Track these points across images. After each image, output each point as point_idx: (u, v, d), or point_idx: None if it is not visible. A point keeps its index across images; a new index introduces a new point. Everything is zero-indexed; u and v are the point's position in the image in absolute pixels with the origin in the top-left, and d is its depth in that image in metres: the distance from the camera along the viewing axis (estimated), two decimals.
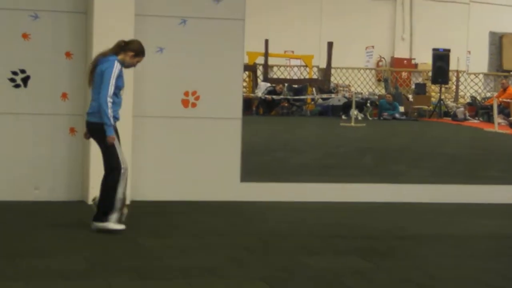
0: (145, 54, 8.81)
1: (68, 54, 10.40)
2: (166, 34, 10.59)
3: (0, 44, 10.18)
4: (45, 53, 10.34)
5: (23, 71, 10.28)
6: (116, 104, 8.52)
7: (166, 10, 10.57)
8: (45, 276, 6.72)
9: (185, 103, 10.73)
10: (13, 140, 10.25)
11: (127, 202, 9.00)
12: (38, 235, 8.23)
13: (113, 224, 8.40)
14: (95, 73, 8.52)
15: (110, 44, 9.86)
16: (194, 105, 10.74)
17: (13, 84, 10.25)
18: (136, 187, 10.37)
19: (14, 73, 10.25)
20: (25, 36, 10.26)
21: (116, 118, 8.53)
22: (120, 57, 8.57)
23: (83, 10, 10.34)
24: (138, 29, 10.25)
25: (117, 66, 8.46)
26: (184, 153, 10.70)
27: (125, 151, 10.09)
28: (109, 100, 8.36)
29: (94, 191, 10.08)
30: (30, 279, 6.62)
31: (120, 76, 8.51)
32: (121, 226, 8.45)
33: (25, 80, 10.30)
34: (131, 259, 7.40)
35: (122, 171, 8.46)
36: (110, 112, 8.34)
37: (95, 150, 10.08)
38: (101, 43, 10.03)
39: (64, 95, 10.40)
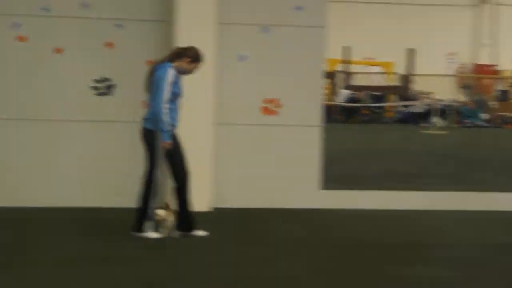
0: (202, 60, 8.80)
1: (151, 63, 10.51)
2: (247, 42, 10.65)
3: (85, 53, 10.36)
4: (128, 61, 10.49)
5: (107, 79, 10.46)
6: (173, 111, 8.57)
7: (247, 18, 10.63)
8: (134, 285, 6.75)
9: (265, 110, 10.76)
10: (96, 147, 10.42)
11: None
12: (125, 242, 8.31)
13: (149, 233, 8.46)
14: (152, 80, 8.60)
15: None
16: (274, 112, 10.77)
17: (96, 92, 10.43)
18: (217, 194, 10.45)
19: (98, 81, 10.43)
20: (109, 44, 10.44)
21: (173, 125, 8.60)
22: (176, 63, 8.62)
23: (166, 19, 10.46)
24: (221, 37, 10.34)
25: (171, 73, 8.50)
26: (264, 161, 10.73)
27: (205, 158, 10.24)
28: (166, 106, 8.41)
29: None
30: (119, 286, 6.69)
31: (176, 83, 8.55)
32: (157, 235, 8.48)
33: (109, 88, 10.47)
34: (214, 268, 7.42)
35: (156, 181, 8.54)
36: (166, 118, 8.39)
37: None
38: None
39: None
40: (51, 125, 10.31)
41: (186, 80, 10.11)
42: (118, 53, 10.45)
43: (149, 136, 8.51)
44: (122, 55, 10.47)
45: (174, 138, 8.58)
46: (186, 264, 7.46)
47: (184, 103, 10.16)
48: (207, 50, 10.16)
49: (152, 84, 8.55)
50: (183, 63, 8.64)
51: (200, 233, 8.61)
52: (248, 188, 10.66)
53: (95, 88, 10.42)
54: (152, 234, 8.43)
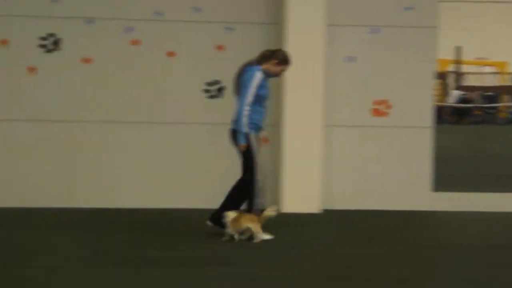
0: (289, 63, 8.77)
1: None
2: (356, 43, 10.62)
3: (196, 56, 10.51)
4: (238, 64, 10.54)
5: (217, 82, 10.59)
6: (260, 113, 8.59)
7: (357, 19, 10.59)
8: (232, 285, 6.78)
9: (375, 112, 10.70)
10: (208, 150, 10.55)
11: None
12: (230, 244, 8.37)
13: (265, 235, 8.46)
14: (240, 82, 8.63)
15: (303, 54, 10.03)
16: (384, 114, 10.69)
17: (208, 95, 10.57)
18: (327, 196, 10.45)
19: (209, 84, 10.56)
20: (219, 48, 10.56)
21: (259, 127, 8.63)
22: (264, 66, 8.64)
23: (277, 21, 10.52)
24: (330, 38, 10.34)
25: (258, 76, 8.52)
26: (374, 162, 10.67)
27: (314, 160, 10.25)
28: (246, 108, 8.44)
29: (287, 200, 10.29)
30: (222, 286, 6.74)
31: (263, 86, 8.56)
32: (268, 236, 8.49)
33: (220, 90, 10.60)
34: (326, 270, 7.39)
35: (255, 182, 8.53)
36: (245, 120, 8.42)
37: (288, 159, 10.29)
38: (293, 53, 10.15)
39: None
40: (165, 128, 10.48)
41: (294, 82, 10.21)
42: (228, 56, 10.55)
43: (236, 136, 8.58)
44: (232, 58, 10.54)
45: (259, 140, 8.61)
46: (290, 267, 7.46)
47: (294, 105, 10.25)
48: (316, 52, 10.23)
49: (240, 86, 8.59)
50: (270, 66, 8.66)
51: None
52: (358, 191, 10.62)
53: (207, 91, 10.56)
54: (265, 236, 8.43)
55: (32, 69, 10.26)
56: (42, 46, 10.27)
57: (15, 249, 7.76)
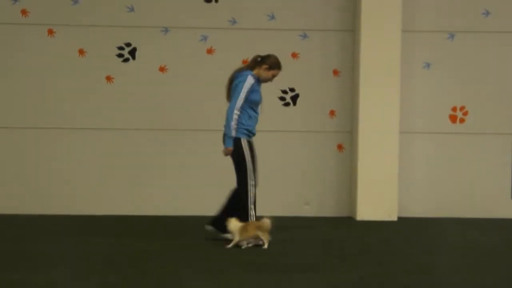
0: (281, 68, 8.66)
1: (335, 72, 10.56)
2: (433, 49, 10.49)
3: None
4: (313, 72, 10.56)
5: (292, 90, 10.56)
6: (253, 119, 8.50)
7: (433, 25, 10.47)
8: None
9: (453, 118, 10.55)
10: (283, 157, 10.53)
11: None
12: (309, 251, 8.33)
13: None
14: (231, 88, 8.56)
15: (378, 60, 9.96)
16: (462, 120, 10.54)
17: (283, 102, 10.55)
18: (403, 203, 10.33)
19: (284, 91, 10.55)
20: (294, 55, 10.54)
21: (252, 133, 8.53)
22: (255, 71, 8.55)
23: (351, 28, 10.46)
24: (405, 44, 10.24)
25: (249, 81, 8.43)
26: (452, 169, 10.53)
27: (390, 167, 10.14)
28: (236, 112, 8.35)
29: (362, 207, 10.21)
30: None
31: (254, 91, 8.47)
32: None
33: (294, 98, 10.57)
34: (406, 276, 7.29)
35: (249, 186, 8.41)
36: (233, 124, 8.33)
37: (363, 166, 10.20)
38: (368, 60, 10.14)
39: (331, 112, 10.56)
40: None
41: (369, 89, 10.13)
42: (302, 63, 10.53)
43: (234, 144, 8.41)
44: (307, 65, 10.54)
45: (251, 145, 8.52)
46: (374, 273, 7.38)
47: (369, 112, 10.17)
48: (392, 58, 10.12)
49: (231, 91, 8.53)
50: (261, 71, 8.57)
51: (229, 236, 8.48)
52: (435, 198, 10.49)
53: (282, 98, 10.55)
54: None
55: (109, 78, 10.38)
56: (119, 55, 10.39)
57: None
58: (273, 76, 8.63)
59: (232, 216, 8.25)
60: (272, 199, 10.45)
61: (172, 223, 9.78)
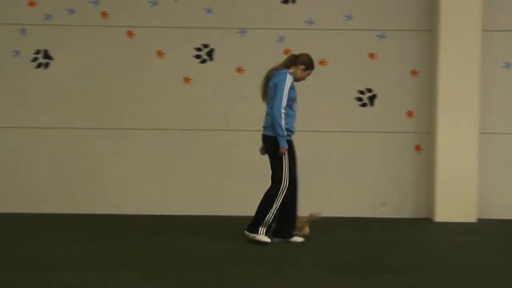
0: (314, 67, 8.61)
1: (413, 72, 10.47)
2: None
3: (348, 64, 10.47)
4: (390, 72, 10.50)
5: (369, 90, 10.52)
6: (291, 116, 8.41)
7: None
8: None
9: None
10: (360, 158, 10.49)
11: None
12: (385, 252, 8.28)
13: (261, 236, 8.32)
14: (268, 87, 8.48)
15: (457, 60, 9.85)
16: None
17: (360, 103, 10.51)
18: (482, 204, 10.20)
19: (361, 92, 10.51)
20: (371, 55, 10.49)
21: (291, 131, 8.44)
22: (291, 70, 8.49)
23: (429, 28, 10.37)
24: (484, 44, 10.10)
25: (289, 79, 8.37)
26: None
27: (470, 168, 10.03)
28: (282, 111, 8.27)
29: (441, 208, 10.10)
30: None
31: (292, 89, 8.40)
32: (268, 239, 8.32)
33: (372, 99, 10.52)
34: (486, 282, 7.19)
35: (283, 185, 8.34)
36: (283, 123, 8.26)
37: (442, 167, 10.10)
38: (447, 59, 10.04)
39: (409, 113, 10.48)
40: (318, 136, 10.49)
41: (448, 89, 10.02)
42: (380, 64, 10.47)
43: (271, 143, 8.38)
44: (384, 66, 10.48)
45: (290, 144, 8.44)
46: (444, 277, 7.30)
47: (448, 112, 10.06)
48: (471, 58, 10.00)
49: (269, 91, 8.47)
50: (297, 70, 8.51)
51: (297, 239, 8.50)
52: None
53: (359, 99, 10.51)
54: (263, 238, 8.30)
55: (187, 79, 10.49)
56: (197, 56, 10.48)
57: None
58: (307, 75, 8.63)
59: (288, 218, 8.40)
60: (349, 199, 10.45)
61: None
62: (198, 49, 10.48)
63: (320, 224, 9.61)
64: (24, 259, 7.39)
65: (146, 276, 6.78)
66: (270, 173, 8.43)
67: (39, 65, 10.41)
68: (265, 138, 8.47)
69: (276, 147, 8.32)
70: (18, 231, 9.02)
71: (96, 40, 10.41)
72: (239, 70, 10.49)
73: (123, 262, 7.38)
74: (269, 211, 8.31)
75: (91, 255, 7.61)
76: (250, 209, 8.46)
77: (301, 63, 8.50)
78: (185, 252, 7.92)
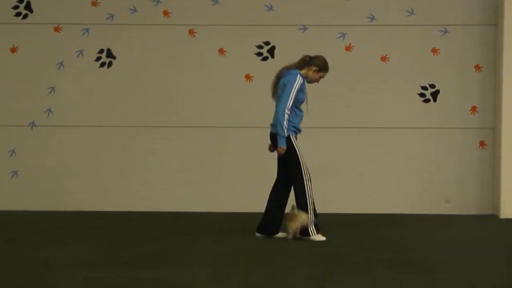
0: (328, 70, 8.51)
1: (477, 67, 10.35)
2: None
3: (411, 60, 10.39)
4: (453, 67, 10.39)
5: (432, 86, 10.42)
6: (298, 116, 8.36)
7: None
8: None
9: None
10: (423, 154, 10.41)
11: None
12: (450, 250, 8.20)
13: (314, 236, 8.28)
14: (279, 86, 8.40)
15: None
16: None
17: (423, 99, 10.42)
18: None
19: (424, 88, 10.42)
20: (434, 51, 10.39)
21: (298, 130, 8.39)
22: (303, 71, 8.39)
23: (493, 22, 10.23)
24: None
25: (299, 80, 8.27)
26: None
27: None
28: (287, 112, 8.20)
29: (505, 205, 9.98)
30: None
31: (301, 90, 8.31)
32: (322, 237, 8.29)
33: (435, 94, 10.42)
34: None
35: (306, 182, 8.26)
36: (285, 123, 8.19)
37: (506, 163, 9.97)
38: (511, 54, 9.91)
39: (473, 109, 10.36)
40: (381, 132, 10.44)
41: None
42: (443, 59, 10.37)
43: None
44: (447, 61, 10.38)
45: (296, 143, 8.37)
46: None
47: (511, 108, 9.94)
48: None
49: (278, 90, 8.39)
50: (309, 72, 8.43)
51: (282, 235, 8.43)
52: None
53: (422, 95, 10.42)
54: (319, 237, 8.30)
55: (248, 77, 10.51)
56: (258, 54, 10.50)
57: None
58: (320, 77, 8.55)
59: (276, 216, 8.35)
60: (412, 196, 10.38)
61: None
62: (259, 47, 10.50)
63: (384, 222, 9.58)
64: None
65: (215, 273, 6.81)
66: (276, 169, 8.42)
67: (102, 64, 10.53)
68: (273, 136, 8.43)
69: (288, 145, 8.28)
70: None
71: (158, 39, 10.49)
72: None
73: (189, 259, 7.42)
74: (307, 210, 8.28)
75: (156, 253, 7.67)
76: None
77: (314, 65, 8.45)
78: (247, 248, 7.95)
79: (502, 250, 8.10)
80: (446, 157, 10.40)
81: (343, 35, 10.46)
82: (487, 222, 9.81)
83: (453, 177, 10.39)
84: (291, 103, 8.24)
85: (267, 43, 10.51)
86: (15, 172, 10.55)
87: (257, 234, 8.50)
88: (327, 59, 10.15)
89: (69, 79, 10.51)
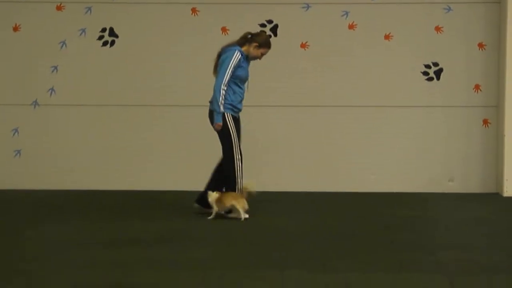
0: (270, 47, 8.54)
1: (480, 45, 10.31)
2: None
3: (414, 38, 10.35)
4: (457, 45, 10.34)
5: (435, 64, 10.39)
6: (238, 94, 8.40)
7: None
8: (468, 270, 6.63)
9: None
10: (426, 133, 10.39)
11: None
12: (455, 228, 8.20)
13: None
14: (218, 63, 8.43)
15: None
16: None
17: (425, 77, 10.39)
18: None
19: (427, 66, 10.38)
20: (437, 29, 10.35)
21: (238, 109, 8.43)
22: (244, 48, 8.43)
23: (497, 0, 10.18)
24: None
25: (237, 56, 8.30)
26: None
27: None
28: (223, 87, 8.26)
29: (508, 183, 9.97)
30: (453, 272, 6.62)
31: (241, 67, 8.35)
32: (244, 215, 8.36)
33: (438, 73, 10.39)
34: None
35: (236, 161, 8.33)
36: (221, 99, 8.24)
37: (510, 141, 9.96)
38: None
39: (477, 87, 10.33)
40: (385, 111, 10.40)
41: None
42: (446, 37, 10.34)
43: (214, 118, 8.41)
44: (451, 39, 10.34)
45: (236, 120, 8.44)
46: None
47: None
48: None
49: (218, 66, 8.42)
50: (250, 48, 8.46)
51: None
52: None
53: (425, 73, 10.39)
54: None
55: None
56: None
57: None
58: (262, 54, 8.58)
59: (217, 189, 8.40)
60: (416, 175, 10.38)
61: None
62: (262, 25, 10.45)
63: (388, 200, 9.59)
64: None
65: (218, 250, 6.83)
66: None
67: (105, 43, 10.51)
68: (210, 113, 8.49)
69: (222, 122, 8.34)
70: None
71: (160, 17, 10.46)
72: (304, 45, 10.44)
73: (194, 237, 7.44)
74: (236, 186, 8.35)
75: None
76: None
77: (255, 41, 8.48)
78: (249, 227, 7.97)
79: (504, 227, 8.11)
80: (449, 136, 10.38)
81: (346, 13, 10.41)
82: (490, 200, 9.81)
83: (456, 155, 10.38)
84: (227, 79, 8.28)
85: (270, 22, 10.47)
86: (18, 151, 10.55)
87: (195, 205, 8.63)
88: (331, 38, 10.16)
89: (71, 58, 10.49)
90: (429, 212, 8.94)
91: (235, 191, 8.35)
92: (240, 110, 8.51)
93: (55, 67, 10.50)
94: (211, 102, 8.45)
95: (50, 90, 10.51)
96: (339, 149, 10.44)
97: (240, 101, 8.49)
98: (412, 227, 8.05)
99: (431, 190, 10.32)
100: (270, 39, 8.65)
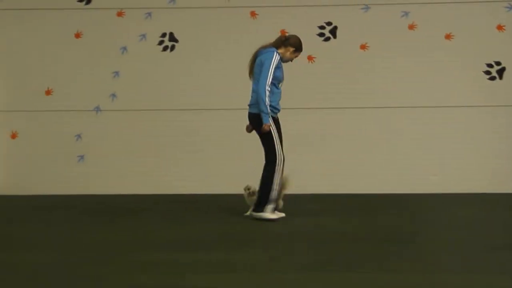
0: (302, 50, 8.45)
1: None
2: None
3: (476, 37, 10.23)
4: None
5: (498, 63, 10.24)
6: (276, 95, 8.30)
7: None
8: None
9: None
10: (489, 133, 10.25)
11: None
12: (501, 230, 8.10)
13: (268, 214, 8.27)
14: (255, 64, 8.33)
15: None
16: None
17: (488, 76, 10.25)
18: None
19: (489, 65, 10.24)
20: (500, 28, 10.21)
21: (276, 109, 8.32)
22: (280, 50, 8.36)
23: None
24: None
25: (276, 57, 8.23)
26: None
27: None
28: (267, 89, 8.15)
29: None
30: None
31: (278, 68, 8.27)
32: (275, 216, 8.26)
33: (500, 72, 10.24)
34: None
35: (278, 163, 8.21)
36: (267, 100, 8.15)
37: None
38: None
39: None
40: (445, 111, 10.31)
41: None
42: (509, 36, 10.18)
43: (258, 121, 8.26)
44: None
45: (276, 121, 8.32)
46: None
47: None
48: None
49: (255, 68, 8.32)
50: (286, 52, 8.39)
51: (271, 215, 8.33)
52: None
53: (487, 72, 10.25)
54: (271, 215, 8.28)
55: (310, 58, 10.46)
56: (320, 34, 10.44)
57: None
58: (295, 57, 8.55)
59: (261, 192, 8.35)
60: (483, 174, 10.22)
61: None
62: (321, 27, 10.44)
63: (445, 200, 9.46)
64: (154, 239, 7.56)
65: (276, 254, 6.83)
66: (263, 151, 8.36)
67: (165, 48, 10.60)
68: (251, 116, 8.43)
69: (261, 124, 8.28)
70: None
71: (220, 21, 10.51)
72: (363, 47, 10.39)
73: (248, 240, 7.44)
74: (271, 191, 8.31)
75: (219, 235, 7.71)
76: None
77: (291, 45, 8.46)
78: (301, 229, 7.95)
79: None
80: (507, 135, 10.24)
81: (406, 13, 10.34)
82: None
83: (503, 154, 10.21)
84: (270, 79, 8.26)
85: (329, 24, 10.45)
86: (81, 156, 10.70)
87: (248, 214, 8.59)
88: (390, 38, 10.10)
89: (132, 63, 10.61)
90: (487, 211, 8.80)
91: (268, 192, 8.32)
92: (279, 110, 8.50)
93: (117, 73, 10.63)
94: (250, 105, 8.46)
95: (112, 96, 10.65)
96: (403, 148, 10.35)
97: (279, 102, 8.49)
98: (470, 226, 7.94)
99: (492, 191, 10.15)
100: (302, 43, 8.60)
